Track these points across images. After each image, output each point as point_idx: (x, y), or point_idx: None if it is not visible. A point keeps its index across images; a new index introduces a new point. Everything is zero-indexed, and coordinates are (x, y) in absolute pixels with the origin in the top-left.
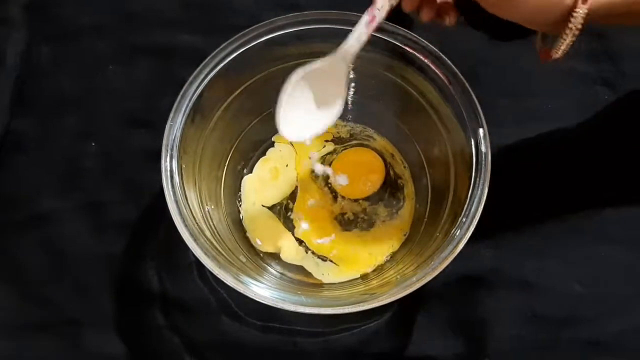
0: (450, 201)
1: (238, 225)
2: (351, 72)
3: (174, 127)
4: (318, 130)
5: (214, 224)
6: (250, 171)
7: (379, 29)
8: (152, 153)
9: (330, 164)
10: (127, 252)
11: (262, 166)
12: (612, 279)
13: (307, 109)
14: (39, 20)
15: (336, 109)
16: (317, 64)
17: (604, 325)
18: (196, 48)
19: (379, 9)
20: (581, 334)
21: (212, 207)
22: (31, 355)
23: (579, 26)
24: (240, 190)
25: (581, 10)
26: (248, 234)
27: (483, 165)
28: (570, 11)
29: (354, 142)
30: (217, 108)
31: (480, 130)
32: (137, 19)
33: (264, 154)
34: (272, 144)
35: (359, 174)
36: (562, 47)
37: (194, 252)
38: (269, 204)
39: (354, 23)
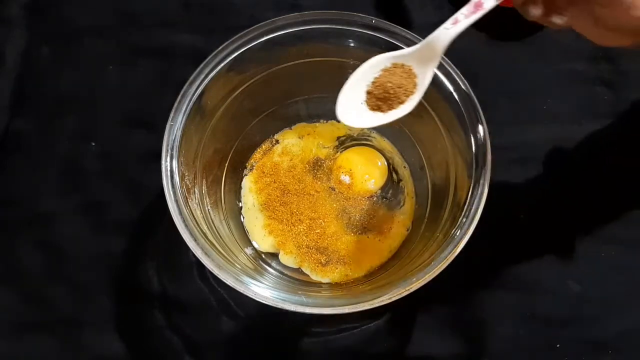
0: (450, 201)
1: (238, 225)
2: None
3: (174, 127)
4: (374, 123)
5: (214, 224)
6: (250, 171)
7: (379, 29)
8: (152, 153)
9: (332, 164)
10: (127, 252)
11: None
12: (612, 279)
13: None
14: (39, 20)
15: (404, 107)
16: (399, 52)
17: (603, 325)
18: (196, 48)
19: None
20: (581, 334)
21: (212, 207)
22: (31, 355)
23: None
24: (240, 190)
25: None
26: (248, 234)
27: (483, 166)
28: None
29: (355, 142)
30: (217, 108)
31: (480, 130)
32: (137, 19)
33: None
34: (276, 142)
35: (361, 173)
36: None
37: (194, 252)
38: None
39: (354, 23)
